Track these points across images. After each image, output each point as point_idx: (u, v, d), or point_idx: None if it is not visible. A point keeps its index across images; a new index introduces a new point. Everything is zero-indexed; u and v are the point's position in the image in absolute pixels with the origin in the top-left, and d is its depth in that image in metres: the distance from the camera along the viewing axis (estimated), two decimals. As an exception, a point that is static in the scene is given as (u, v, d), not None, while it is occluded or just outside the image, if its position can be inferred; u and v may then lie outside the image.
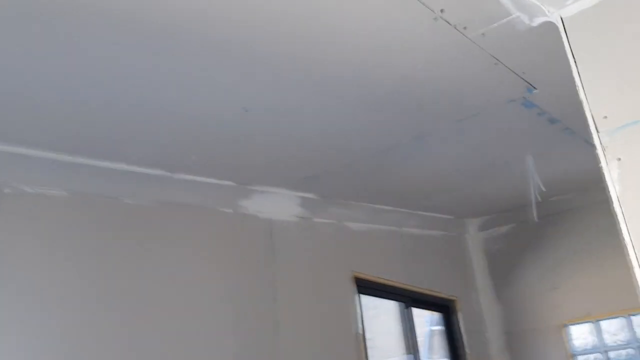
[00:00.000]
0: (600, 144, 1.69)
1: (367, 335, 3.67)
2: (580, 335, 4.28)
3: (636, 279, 1.60)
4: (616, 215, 1.67)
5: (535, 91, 2.68)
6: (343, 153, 3.17)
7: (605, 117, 1.67)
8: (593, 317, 4.20)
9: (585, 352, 4.23)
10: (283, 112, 2.62)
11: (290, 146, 3.00)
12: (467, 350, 4.30)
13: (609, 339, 4.19)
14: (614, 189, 1.66)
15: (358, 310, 3.63)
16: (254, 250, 3.34)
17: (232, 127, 2.69)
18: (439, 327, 4.41)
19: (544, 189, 3.58)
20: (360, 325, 3.60)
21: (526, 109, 2.88)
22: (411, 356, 4.01)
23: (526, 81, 2.57)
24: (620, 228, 1.66)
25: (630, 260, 1.61)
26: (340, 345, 3.47)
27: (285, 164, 3.22)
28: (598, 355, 4.18)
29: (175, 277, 2.94)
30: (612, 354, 4.16)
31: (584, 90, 1.73)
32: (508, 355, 4.47)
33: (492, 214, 4.66)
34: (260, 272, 3.31)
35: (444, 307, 4.38)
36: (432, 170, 3.59)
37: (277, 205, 3.50)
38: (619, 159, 1.65)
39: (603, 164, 1.69)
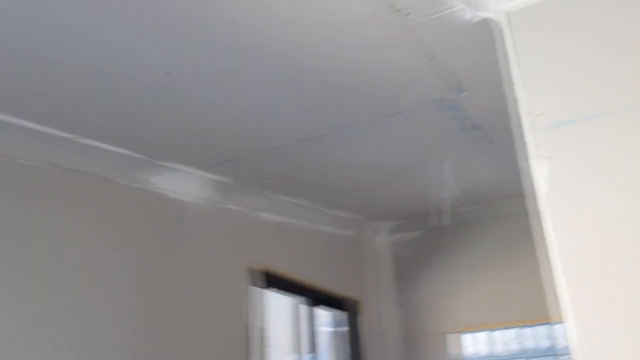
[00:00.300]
0: (533, 140, 1.68)
1: (269, 332, 3.55)
2: (473, 343, 4.39)
3: (556, 279, 1.59)
4: (540, 214, 1.67)
5: (464, 94, 2.68)
6: (266, 138, 3.03)
7: (541, 114, 1.66)
8: (487, 326, 4.33)
9: (477, 360, 4.35)
10: (206, 82, 2.45)
11: (210, 123, 2.83)
12: (367, 352, 4.29)
13: (500, 349, 4.33)
14: (542, 187, 1.65)
15: (257, 304, 3.50)
16: (161, 230, 3.12)
17: (149, 91, 2.48)
18: (342, 328, 4.37)
19: (457, 195, 3.64)
20: (258, 320, 3.47)
21: (452, 111, 2.89)
22: (312, 355, 3.93)
23: (457, 81, 2.57)
24: (543, 227, 1.65)
25: (552, 259, 1.60)
26: (233, 337, 3.31)
27: (202, 142, 3.03)
28: (490, 363, 4.31)
29: (70, 251, 2.67)
30: (502, 364, 4.30)
31: (522, 86, 1.72)
32: (405, 360, 4.51)
33: (404, 218, 4.70)
34: (165, 254, 3.09)
35: (348, 308, 4.35)
36: (352, 166, 3.54)
37: (189, 185, 3.30)
38: (550, 157, 1.64)
39: (533, 161, 1.68)
